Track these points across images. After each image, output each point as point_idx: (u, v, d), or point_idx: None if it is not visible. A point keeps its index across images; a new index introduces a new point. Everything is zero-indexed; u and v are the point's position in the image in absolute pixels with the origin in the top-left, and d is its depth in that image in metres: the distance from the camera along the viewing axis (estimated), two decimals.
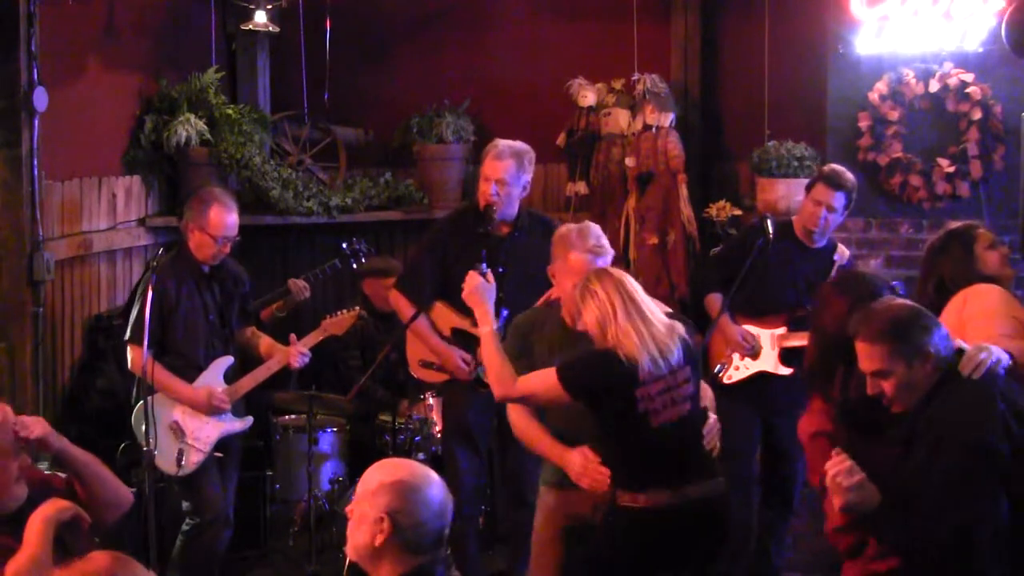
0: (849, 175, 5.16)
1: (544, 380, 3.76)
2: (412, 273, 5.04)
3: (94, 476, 3.38)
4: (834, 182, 5.07)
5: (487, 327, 3.97)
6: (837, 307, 3.42)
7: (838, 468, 3.13)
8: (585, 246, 3.97)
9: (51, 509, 3.10)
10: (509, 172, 4.75)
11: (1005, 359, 3.22)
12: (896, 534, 3.15)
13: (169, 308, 4.76)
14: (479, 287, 4.07)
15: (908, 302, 3.32)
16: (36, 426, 3.29)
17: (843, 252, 5.19)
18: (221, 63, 6.90)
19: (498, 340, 3.94)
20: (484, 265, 4.21)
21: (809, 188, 5.15)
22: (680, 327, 3.78)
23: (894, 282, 3.68)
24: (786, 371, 5.10)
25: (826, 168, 5.31)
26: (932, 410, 3.11)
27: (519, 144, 4.85)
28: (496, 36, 7.28)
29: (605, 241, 4.04)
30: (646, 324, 3.68)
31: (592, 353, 3.74)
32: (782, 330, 5.13)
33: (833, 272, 5.06)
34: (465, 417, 4.94)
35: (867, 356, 3.14)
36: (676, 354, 3.70)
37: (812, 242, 5.14)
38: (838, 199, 5.05)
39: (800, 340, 4.98)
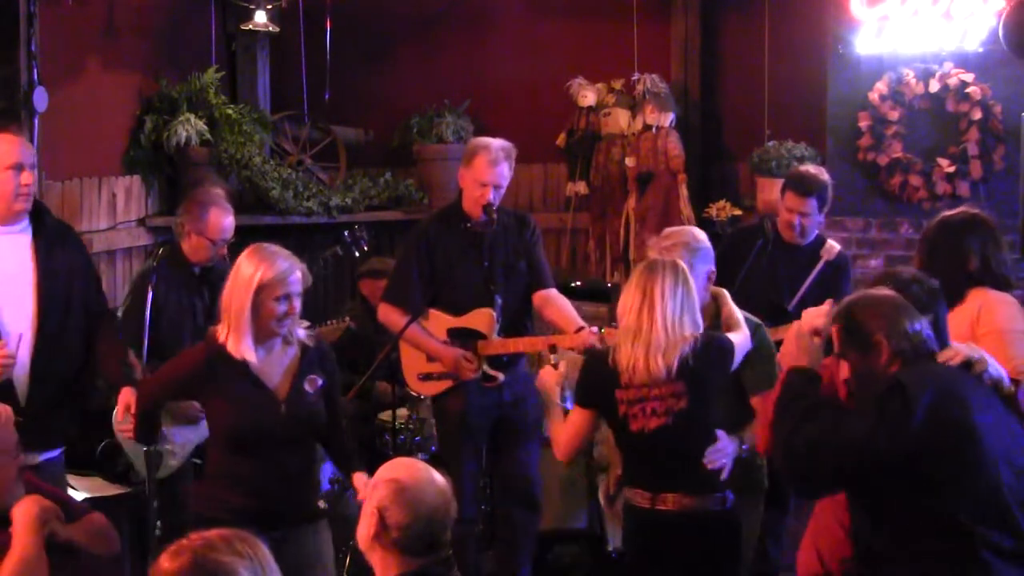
0: (818, 176, 4.93)
1: (572, 415, 3.92)
2: (399, 283, 4.91)
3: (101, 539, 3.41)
4: (802, 188, 4.88)
5: (556, 406, 4.02)
6: None
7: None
8: (657, 247, 4.08)
9: (33, 511, 3.10)
10: (506, 175, 4.75)
11: (996, 372, 3.05)
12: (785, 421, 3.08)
13: (156, 310, 4.69)
14: (549, 378, 4.05)
15: (890, 292, 3.15)
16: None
17: (831, 248, 5.00)
18: (221, 63, 6.89)
19: (562, 413, 3.99)
20: (555, 357, 4.23)
21: (782, 193, 4.99)
22: (687, 344, 3.67)
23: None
24: None
25: (792, 173, 5.11)
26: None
27: (505, 143, 4.80)
28: (496, 36, 7.27)
29: (689, 243, 4.06)
30: (651, 329, 3.66)
31: (584, 364, 3.95)
32: None
33: (818, 268, 4.94)
34: (464, 421, 4.88)
35: (834, 339, 3.10)
36: (668, 367, 3.65)
37: (796, 242, 5.00)
38: (810, 205, 4.86)
39: (776, 335, 4.97)
